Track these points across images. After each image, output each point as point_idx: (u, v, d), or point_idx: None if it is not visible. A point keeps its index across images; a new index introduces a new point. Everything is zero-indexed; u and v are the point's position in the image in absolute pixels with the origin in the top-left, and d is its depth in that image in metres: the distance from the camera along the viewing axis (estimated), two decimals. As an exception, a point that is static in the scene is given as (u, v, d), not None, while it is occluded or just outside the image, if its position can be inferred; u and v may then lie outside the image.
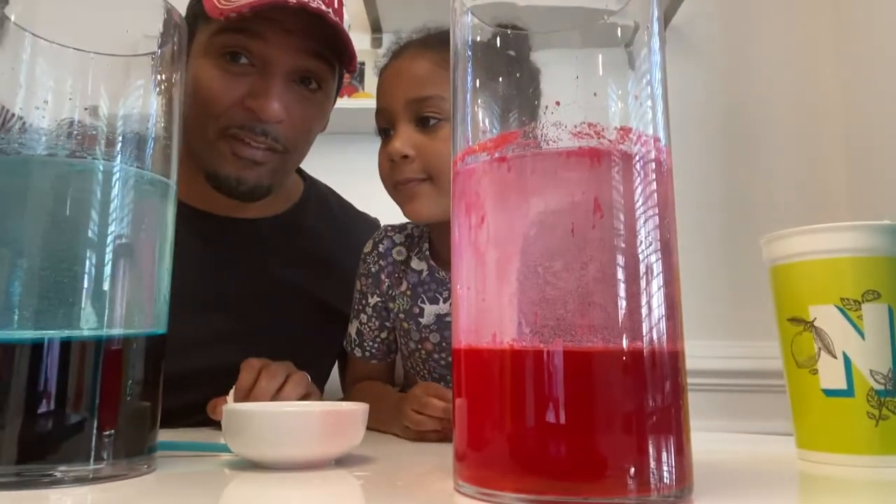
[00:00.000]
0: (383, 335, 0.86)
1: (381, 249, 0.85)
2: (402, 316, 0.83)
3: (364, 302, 0.86)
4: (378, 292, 0.84)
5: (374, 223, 1.04)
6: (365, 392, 0.82)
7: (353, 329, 0.87)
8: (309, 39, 0.74)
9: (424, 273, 0.82)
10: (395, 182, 0.74)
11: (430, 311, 0.81)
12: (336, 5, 0.76)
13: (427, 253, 0.83)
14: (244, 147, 0.75)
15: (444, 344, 0.80)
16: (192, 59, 0.75)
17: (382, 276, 0.84)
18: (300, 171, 1.01)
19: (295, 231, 0.93)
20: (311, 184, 1.01)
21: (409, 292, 0.82)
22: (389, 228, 0.87)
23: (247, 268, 0.88)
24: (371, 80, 2.00)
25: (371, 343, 0.86)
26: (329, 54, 0.78)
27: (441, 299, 0.80)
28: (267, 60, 0.74)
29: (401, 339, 0.85)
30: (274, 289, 0.89)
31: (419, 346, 0.83)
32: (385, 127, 0.76)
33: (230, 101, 0.74)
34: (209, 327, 0.82)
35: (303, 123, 0.79)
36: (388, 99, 0.75)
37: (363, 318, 0.86)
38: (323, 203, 1.00)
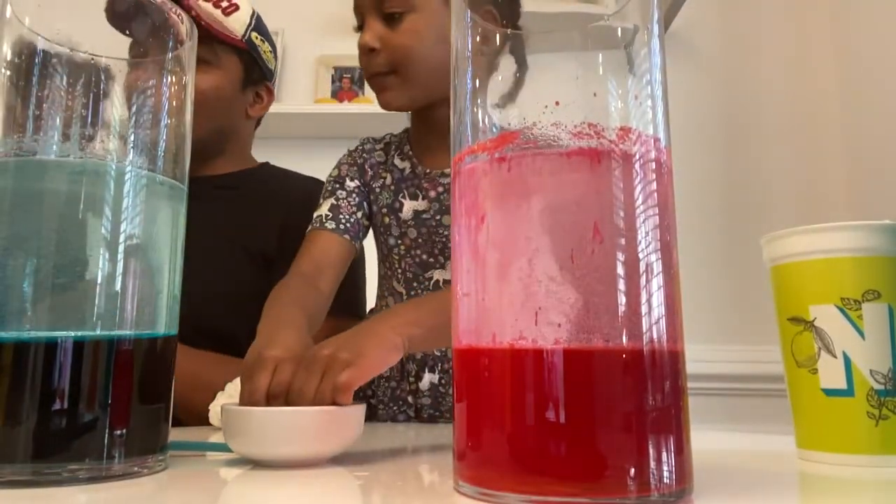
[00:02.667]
0: (359, 214, 0.86)
1: (365, 147, 0.91)
2: (384, 211, 0.86)
3: (340, 183, 0.87)
4: (361, 180, 0.88)
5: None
6: (271, 315, 0.65)
7: (323, 209, 0.84)
8: None
9: (407, 170, 0.87)
10: (368, 75, 0.82)
11: (409, 206, 0.85)
12: None
13: (410, 153, 0.88)
14: None
15: (420, 241, 0.84)
16: None
17: (366, 167, 0.89)
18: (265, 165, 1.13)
19: (243, 183, 1.03)
20: (270, 165, 1.12)
21: (392, 186, 0.87)
22: (370, 138, 0.93)
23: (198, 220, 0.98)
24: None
25: (347, 217, 0.84)
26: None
27: (420, 196, 0.85)
28: None
29: (381, 237, 0.88)
30: (218, 241, 0.96)
31: (398, 242, 0.86)
32: (359, 23, 0.82)
33: None
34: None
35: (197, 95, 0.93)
36: None
37: (340, 194, 0.86)
38: (277, 169, 1.11)
